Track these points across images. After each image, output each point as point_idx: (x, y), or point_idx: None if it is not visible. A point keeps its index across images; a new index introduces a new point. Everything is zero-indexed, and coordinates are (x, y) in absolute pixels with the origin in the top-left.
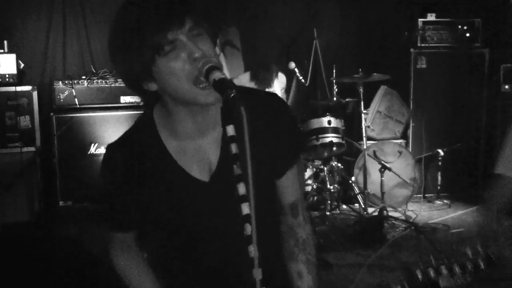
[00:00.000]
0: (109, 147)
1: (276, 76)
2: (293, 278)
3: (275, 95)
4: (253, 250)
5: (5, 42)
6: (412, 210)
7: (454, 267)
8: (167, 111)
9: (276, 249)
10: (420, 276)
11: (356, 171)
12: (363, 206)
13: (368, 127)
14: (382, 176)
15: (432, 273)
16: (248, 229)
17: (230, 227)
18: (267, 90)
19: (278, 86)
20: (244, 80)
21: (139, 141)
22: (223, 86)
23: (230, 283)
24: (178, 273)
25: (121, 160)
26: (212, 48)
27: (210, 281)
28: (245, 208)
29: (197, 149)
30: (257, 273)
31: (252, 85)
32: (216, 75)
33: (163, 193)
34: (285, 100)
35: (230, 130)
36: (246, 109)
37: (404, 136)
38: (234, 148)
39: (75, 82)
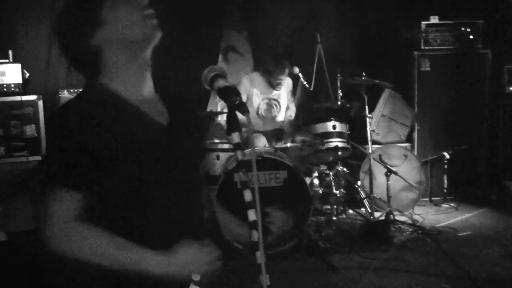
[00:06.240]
0: None
1: (286, 73)
2: None
3: None
4: (260, 256)
5: (10, 52)
6: (419, 214)
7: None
8: None
9: None
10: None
11: (362, 175)
12: (369, 211)
13: (373, 131)
14: (388, 180)
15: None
16: (255, 235)
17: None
18: (274, 92)
19: (284, 89)
20: (257, 80)
21: None
22: (228, 93)
23: (180, 228)
24: (133, 223)
25: None
26: None
27: (162, 228)
28: (252, 215)
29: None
30: (265, 280)
31: (263, 83)
32: (220, 82)
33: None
34: (292, 103)
35: (236, 137)
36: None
37: (409, 139)
38: (240, 155)
39: (80, 90)
